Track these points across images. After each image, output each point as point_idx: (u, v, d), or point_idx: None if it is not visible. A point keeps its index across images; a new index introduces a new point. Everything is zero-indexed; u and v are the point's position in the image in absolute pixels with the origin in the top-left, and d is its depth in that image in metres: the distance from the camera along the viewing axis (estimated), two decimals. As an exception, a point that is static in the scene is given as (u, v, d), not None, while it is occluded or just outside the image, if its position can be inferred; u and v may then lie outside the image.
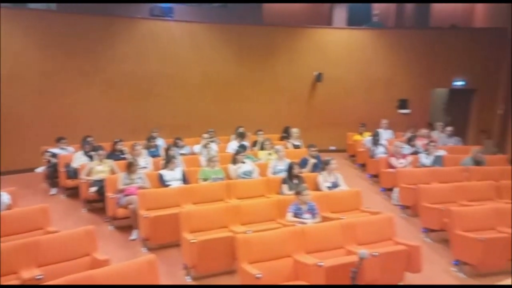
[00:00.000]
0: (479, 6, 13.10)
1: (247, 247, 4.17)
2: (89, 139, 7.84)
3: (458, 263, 5.10)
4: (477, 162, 7.60)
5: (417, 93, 11.85)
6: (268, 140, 8.39)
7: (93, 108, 9.98)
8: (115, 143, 7.94)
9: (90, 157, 7.41)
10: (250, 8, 11.55)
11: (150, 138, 8.42)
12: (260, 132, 9.07)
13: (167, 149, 7.45)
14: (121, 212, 5.99)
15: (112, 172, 6.87)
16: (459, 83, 11.86)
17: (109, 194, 6.15)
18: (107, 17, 10.17)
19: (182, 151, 8.20)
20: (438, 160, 7.89)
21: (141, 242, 5.62)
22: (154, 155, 7.97)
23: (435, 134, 9.91)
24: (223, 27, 11.14)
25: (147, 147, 8.17)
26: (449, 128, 9.87)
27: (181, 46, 10.74)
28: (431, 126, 10.94)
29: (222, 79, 11.14)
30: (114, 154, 7.67)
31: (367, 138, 9.70)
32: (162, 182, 6.38)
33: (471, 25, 13.04)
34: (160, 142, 8.68)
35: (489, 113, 11.81)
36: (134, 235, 5.81)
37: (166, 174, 6.46)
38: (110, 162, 7.07)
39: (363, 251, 3.09)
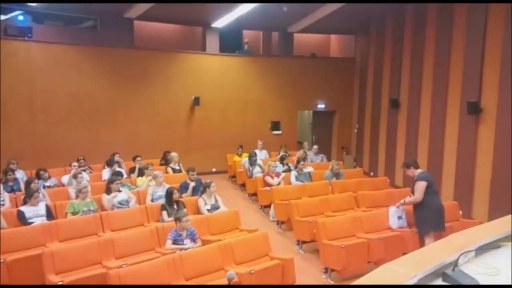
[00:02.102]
0: (333, 38, 14.95)
1: (122, 282, 3.96)
2: None
3: (327, 270, 5.60)
4: (336, 174, 8.51)
5: (286, 115, 12.87)
6: (150, 165, 8.13)
7: None
8: (-39, 179, 6.84)
9: None
10: (120, 31, 11.22)
11: (8, 171, 7.45)
12: (139, 158, 8.77)
13: (27, 182, 6.68)
14: (-31, 260, 5.14)
15: (-43, 213, 5.87)
16: (321, 106, 13.26)
17: (-47, 240, 5.23)
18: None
19: (47, 183, 7.46)
20: (307, 176, 8.63)
21: (-3, 292, 4.89)
22: (12, 189, 7.08)
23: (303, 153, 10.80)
24: (92, 49, 10.62)
25: (4, 181, 7.21)
26: (315, 147, 10.91)
27: (43, 69, 9.91)
28: (300, 145, 11.95)
29: (93, 103, 10.54)
30: (-40, 193, 6.59)
31: (245, 159, 10.12)
32: (22, 220, 5.68)
33: (327, 54, 14.77)
34: (20, 175, 7.77)
35: (347, 131, 13.43)
36: (-13, 285, 5.04)
37: (27, 210, 5.78)
38: (-46, 202, 6.06)
39: (231, 272, 3.21)
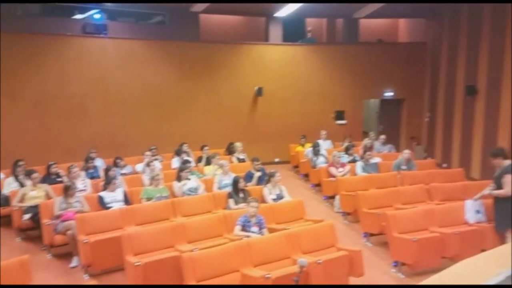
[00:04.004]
0: (402, 22, 14.20)
1: (194, 265, 4.13)
2: (20, 163, 7.35)
3: (397, 264, 5.41)
4: (407, 161, 8.15)
5: (351, 104, 12.51)
6: (216, 155, 8.38)
7: (22, 130, 9.39)
8: (50, 166, 7.51)
9: (21, 183, 6.94)
10: (187, 25, 11.59)
11: (88, 159, 8.07)
12: (206, 148, 9.06)
13: (106, 170, 7.18)
14: (59, 239, 5.66)
15: (48, 197, 6.48)
16: (389, 94, 12.70)
17: (45, 221, 5.79)
18: (35, 35, 9.69)
19: (123, 171, 7.96)
20: (374, 167, 8.35)
21: (82, 269, 5.34)
22: (93, 176, 7.65)
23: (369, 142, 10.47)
24: (161, 43, 11.07)
25: (85, 169, 7.82)
26: (382, 136, 10.49)
27: (117, 64, 10.51)
28: (366, 135, 11.57)
29: (163, 95, 11.02)
30: (49, 178, 7.26)
31: (308, 149, 10.03)
32: (102, 204, 6.14)
33: (395, 40, 14.08)
34: (99, 163, 8.36)
35: (417, 121, 12.75)
36: (74, 262, 5.52)
37: (106, 196, 6.23)
38: (45, 187, 6.67)
39: (302, 259, 3.20)
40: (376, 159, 8.65)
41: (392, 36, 14.13)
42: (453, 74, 10.89)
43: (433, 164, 9.58)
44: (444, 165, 11.03)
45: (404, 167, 8.15)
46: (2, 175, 7.58)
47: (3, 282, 3.83)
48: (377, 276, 5.28)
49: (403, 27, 14.22)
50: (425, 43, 12.49)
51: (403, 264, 5.34)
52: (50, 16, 10.93)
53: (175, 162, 8.65)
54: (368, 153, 8.31)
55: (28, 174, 6.79)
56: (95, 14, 10.89)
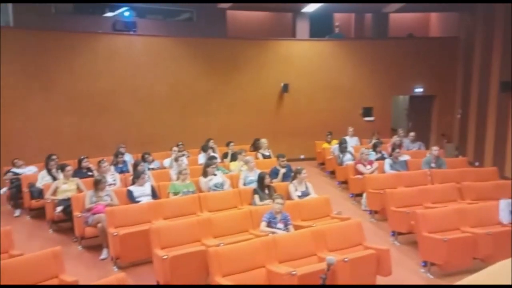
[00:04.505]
0: (434, 16, 13.79)
1: (220, 260, 4.16)
2: (53, 157, 7.60)
3: (426, 264, 5.27)
4: (436, 159, 7.93)
5: (378, 100, 12.26)
6: (242, 151, 8.41)
7: (54, 125, 9.71)
8: (81, 160, 7.74)
9: (54, 176, 7.18)
10: (214, 22, 11.66)
11: (118, 154, 8.26)
12: (231, 144, 9.10)
13: (135, 165, 7.33)
14: (89, 231, 5.83)
15: (79, 190, 6.68)
16: (419, 90, 12.38)
17: (76, 213, 5.98)
18: (67, 33, 9.98)
19: (151, 166, 8.10)
20: (403, 165, 8.17)
21: (111, 261, 5.47)
22: (122, 171, 7.82)
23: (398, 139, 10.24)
24: (189, 40, 11.18)
25: (115, 163, 8.01)
26: (412, 134, 10.23)
27: (145, 60, 10.69)
28: (394, 132, 11.33)
29: (189, 92, 11.13)
30: (80, 172, 7.48)
31: (334, 146, 9.91)
32: (131, 198, 6.27)
33: (426, 34, 13.68)
34: (128, 158, 8.54)
35: (448, 117, 12.38)
36: (104, 254, 5.67)
37: (135, 190, 6.36)
38: (76, 180, 6.88)
39: (330, 257, 3.15)
40: (405, 157, 8.46)
41: (423, 30, 13.75)
42: (487, 70, 10.49)
43: (464, 162, 9.27)
44: (477, 163, 10.67)
45: (433, 165, 7.94)
46: (36, 169, 7.87)
47: (38, 271, 3.97)
48: (405, 276, 5.16)
49: (435, 21, 13.81)
50: (458, 37, 12.09)
51: (433, 264, 5.21)
52: (82, 14, 11.24)
53: (202, 158, 8.73)
54: (397, 150, 8.13)
55: (61, 168, 7.01)
56: (125, 11, 11.11)
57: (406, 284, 4.99)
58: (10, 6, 10.05)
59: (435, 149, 8.14)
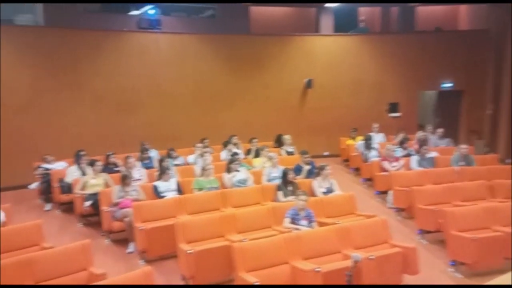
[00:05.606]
0: (463, 9, 13.36)
1: (244, 255, 4.18)
2: (82, 153, 7.80)
3: (455, 264, 5.14)
4: (464, 157, 7.71)
5: (405, 96, 12.00)
6: (265, 147, 8.40)
7: (82, 122, 9.94)
8: (108, 156, 7.92)
9: (84, 171, 7.37)
10: (237, 18, 11.67)
11: (143, 150, 8.40)
12: (255, 140, 9.10)
13: (160, 161, 7.44)
14: (116, 225, 5.96)
15: (106, 185, 6.84)
16: (447, 85, 12.04)
17: (104, 208, 6.12)
18: (94, 31, 10.19)
19: (176, 162, 8.20)
20: (430, 162, 7.97)
21: (138, 255, 5.58)
22: (147, 167, 7.95)
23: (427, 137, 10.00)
24: (212, 37, 11.22)
25: (141, 159, 8.14)
26: (440, 130, 9.97)
27: (170, 58, 10.78)
28: (422, 128, 11.06)
29: (213, 89, 11.18)
30: (108, 167, 7.64)
31: (359, 142, 9.77)
32: (156, 193, 6.37)
33: (455, 28, 13.28)
34: (153, 154, 8.66)
35: (478, 113, 11.99)
36: (130, 248, 5.78)
37: (161, 185, 6.45)
38: (104, 175, 7.04)
39: (356, 254, 3.12)
40: (432, 154, 8.25)
41: (452, 23, 13.34)
42: (520, 63, 10.10)
43: (495, 160, 8.95)
44: (508, 160, 10.30)
45: (462, 162, 7.71)
46: (66, 164, 8.10)
47: (67, 265, 4.09)
48: (433, 275, 5.05)
49: (464, 14, 13.37)
50: (488, 30, 11.67)
51: (462, 263, 5.07)
52: (108, 13, 11.47)
53: (224, 154, 8.77)
54: (424, 147, 7.94)
55: (91, 163, 7.19)
56: (149, 9, 11.26)
57: (434, 284, 4.88)
58: (41, 6, 10.36)
59: (463, 147, 7.91)
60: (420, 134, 9.37)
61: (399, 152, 8.54)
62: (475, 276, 4.98)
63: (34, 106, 9.44)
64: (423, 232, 6.16)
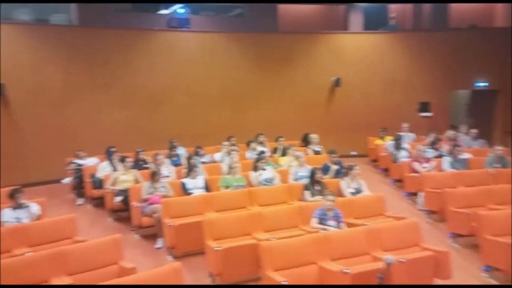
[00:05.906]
0: (499, 5, 12.86)
1: (271, 254, 4.16)
2: (113, 149, 7.98)
3: (489, 269, 4.96)
4: (499, 158, 7.43)
5: (436, 96, 11.67)
6: (292, 146, 8.36)
7: (113, 119, 10.18)
8: (138, 152, 8.07)
9: (115, 167, 7.54)
10: (265, 16, 11.66)
11: (172, 148, 8.52)
12: (281, 139, 9.06)
13: (188, 158, 7.52)
14: (146, 220, 6.07)
15: (136, 181, 6.97)
16: (482, 84, 11.62)
17: (134, 203, 6.25)
18: (125, 30, 10.41)
19: (203, 160, 8.27)
20: (463, 163, 7.72)
21: (166, 250, 5.67)
22: (176, 164, 8.05)
23: (460, 137, 9.71)
24: (240, 36, 11.25)
25: (169, 156, 8.26)
26: (473, 130, 9.64)
27: (199, 56, 10.90)
28: (455, 129, 10.73)
29: (240, 87, 11.22)
30: (137, 164, 7.79)
31: (388, 142, 9.57)
32: (184, 190, 6.45)
33: (491, 24, 12.80)
34: (181, 151, 8.77)
35: (514, 114, 11.54)
36: (159, 243, 5.88)
37: (189, 182, 6.53)
38: (134, 172, 7.18)
39: (389, 256, 3.05)
40: (465, 155, 7.99)
41: (487, 20, 12.88)
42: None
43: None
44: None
45: (496, 164, 7.43)
46: (97, 160, 8.31)
47: (99, 258, 4.19)
48: (465, 280, 4.88)
49: (500, 11, 12.87)
50: (527, 27, 11.20)
51: (496, 269, 4.89)
52: (139, 12, 11.70)
53: (247, 154, 8.78)
54: (457, 148, 7.70)
55: (122, 160, 7.35)
56: (179, 8, 11.41)
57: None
58: (74, 6, 10.68)
59: (499, 149, 7.62)
60: (450, 132, 9.09)
61: (430, 153, 8.31)
62: (511, 282, 4.79)
63: (67, 104, 9.75)
64: (455, 235, 5.98)
